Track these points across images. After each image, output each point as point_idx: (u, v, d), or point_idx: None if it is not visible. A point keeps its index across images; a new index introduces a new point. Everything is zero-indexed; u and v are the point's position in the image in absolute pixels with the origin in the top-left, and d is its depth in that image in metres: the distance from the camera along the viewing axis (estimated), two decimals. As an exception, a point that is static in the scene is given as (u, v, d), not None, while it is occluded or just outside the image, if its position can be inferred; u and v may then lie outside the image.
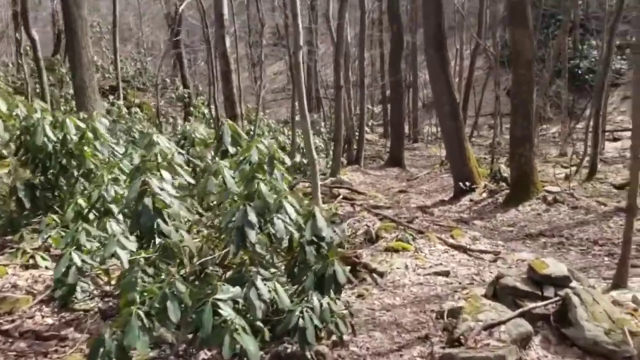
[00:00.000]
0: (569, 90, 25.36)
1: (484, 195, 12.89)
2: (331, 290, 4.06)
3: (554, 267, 5.21)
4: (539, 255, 8.63)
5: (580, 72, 29.15)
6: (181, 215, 4.08)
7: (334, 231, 4.31)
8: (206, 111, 18.04)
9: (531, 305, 4.89)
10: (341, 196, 11.59)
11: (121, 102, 18.59)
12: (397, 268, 7.07)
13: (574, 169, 17.64)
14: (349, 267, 6.78)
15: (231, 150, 5.58)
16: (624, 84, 28.90)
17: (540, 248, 9.21)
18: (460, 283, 6.66)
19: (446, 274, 6.96)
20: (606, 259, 8.33)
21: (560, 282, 5.11)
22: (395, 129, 20.24)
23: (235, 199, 4.27)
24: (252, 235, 3.71)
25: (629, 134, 24.54)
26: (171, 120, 19.27)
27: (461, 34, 22.65)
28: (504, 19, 21.14)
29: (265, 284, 3.68)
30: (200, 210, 5.53)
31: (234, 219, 3.80)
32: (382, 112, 29.17)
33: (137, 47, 26.88)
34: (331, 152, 17.02)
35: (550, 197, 11.60)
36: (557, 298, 4.94)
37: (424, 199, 14.18)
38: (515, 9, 11.12)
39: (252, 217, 3.75)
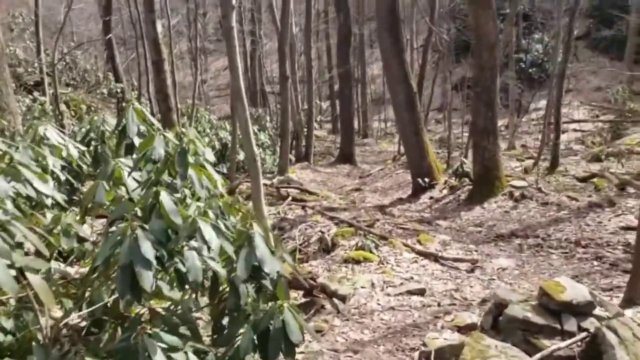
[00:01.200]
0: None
1: (445, 192, 11.67)
2: (280, 353, 2.57)
3: (573, 290, 3.89)
4: (518, 261, 7.41)
5: (524, 65, 28.61)
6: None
7: (283, 260, 2.82)
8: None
9: (552, 346, 3.55)
10: (290, 197, 10.12)
11: (47, 98, 16.56)
12: (362, 287, 5.66)
13: (530, 162, 16.75)
14: (302, 292, 5.34)
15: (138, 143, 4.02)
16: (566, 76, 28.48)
17: (517, 251, 7.98)
18: (439, 305, 5.31)
19: (421, 292, 5.60)
20: (595, 263, 7.15)
21: (583, 310, 3.80)
22: (346, 123, 18.91)
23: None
24: (147, 279, 2.20)
25: (574, 125, 23.85)
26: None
27: (411, 24, 21.48)
28: (455, 7, 20.13)
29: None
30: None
31: (118, 250, 2.29)
32: (330, 107, 27.80)
33: (67, 41, 24.61)
34: (278, 149, 15.52)
35: (517, 193, 10.45)
36: (584, 334, 3.61)
37: (380, 197, 12.86)
38: (477, -15, 9.89)
39: (147, 248, 2.24)
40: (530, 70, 29.21)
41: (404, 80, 11.54)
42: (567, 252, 7.74)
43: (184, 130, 3.27)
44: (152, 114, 14.65)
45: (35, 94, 17.91)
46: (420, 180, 11.73)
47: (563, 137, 24.00)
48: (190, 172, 2.85)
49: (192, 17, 21.85)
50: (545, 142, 15.53)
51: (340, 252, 7.34)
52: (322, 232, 7.88)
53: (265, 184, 10.88)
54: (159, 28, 12.05)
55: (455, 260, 6.91)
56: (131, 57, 19.16)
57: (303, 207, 9.31)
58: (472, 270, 6.70)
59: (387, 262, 6.69)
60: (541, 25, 29.61)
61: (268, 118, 16.78)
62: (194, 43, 22.63)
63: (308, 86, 17.46)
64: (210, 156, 3.05)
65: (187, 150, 2.92)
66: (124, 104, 18.12)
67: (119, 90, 18.16)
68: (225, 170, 13.88)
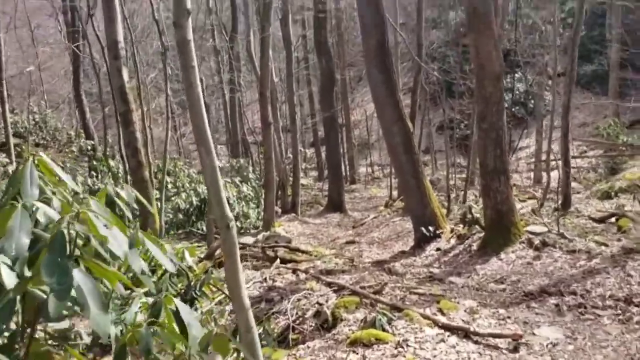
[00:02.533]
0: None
1: (453, 241, 10.17)
2: None
3: None
4: (566, 330, 5.87)
5: (507, 104, 27.69)
6: None
7: None
8: (113, 163, 14.67)
9: None
10: (278, 259, 8.53)
11: (13, 159, 15.07)
12: (384, 392, 4.07)
13: (531, 202, 15.43)
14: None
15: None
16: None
17: (557, 315, 6.44)
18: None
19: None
20: (664, 329, 5.64)
21: None
22: (333, 170, 17.51)
23: None
24: None
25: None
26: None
27: (396, 61, 20.32)
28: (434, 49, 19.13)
29: None
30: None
31: None
32: (314, 154, 26.48)
33: (38, 100, 23.20)
34: (263, 201, 13.98)
35: (536, 240, 8.98)
36: None
37: (379, 250, 11.32)
38: (477, 10, 8.64)
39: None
40: (513, 109, 28.36)
41: (399, 119, 10.19)
42: (619, 314, 6.22)
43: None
44: (125, 171, 13.13)
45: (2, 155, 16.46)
46: (424, 229, 10.24)
47: (554, 175, 22.96)
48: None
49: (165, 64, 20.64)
50: (549, 181, 14.25)
51: (344, 328, 5.77)
52: (320, 304, 6.30)
53: (245, 245, 9.31)
54: (125, 77, 10.65)
55: (492, 336, 5.35)
56: (107, 111, 17.75)
57: (294, 271, 7.74)
58: (516, 349, 5.14)
59: (407, 344, 5.13)
60: (523, 64, 28.89)
61: (251, 169, 15.33)
62: (166, 87, 21.34)
63: (292, 133, 16.08)
64: (122, 245, 1.53)
65: (69, 237, 1.39)
66: (93, 162, 16.68)
67: (89, 147, 16.67)
68: (204, 229, 12.30)
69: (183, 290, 4.27)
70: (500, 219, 9.23)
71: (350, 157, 24.19)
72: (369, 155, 27.57)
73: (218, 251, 8.63)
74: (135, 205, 2.76)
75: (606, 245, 8.51)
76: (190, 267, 4.48)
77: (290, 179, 16.72)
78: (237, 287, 3.52)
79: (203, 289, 4.41)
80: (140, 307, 2.89)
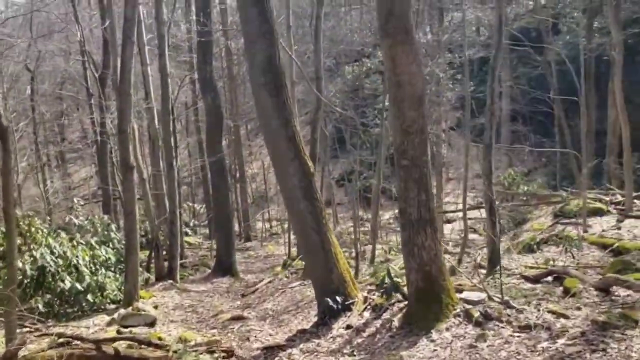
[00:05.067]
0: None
1: (367, 315, 7.54)
2: None
3: None
4: None
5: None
6: None
7: None
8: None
9: None
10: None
11: None
12: None
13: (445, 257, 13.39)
14: None
15: None
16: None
17: None
18: None
19: None
20: None
21: None
22: (222, 226, 14.56)
23: None
24: None
25: (460, 214, 20.65)
26: None
27: (292, 88, 17.75)
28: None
29: None
30: None
31: None
32: (205, 209, 23.30)
33: None
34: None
35: (475, 312, 6.58)
36: None
37: (272, 328, 8.45)
38: (392, 12, 6.37)
39: None
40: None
41: (296, 157, 7.61)
42: None
43: None
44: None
45: None
46: (329, 300, 7.56)
47: (452, 226, 21.37)
48: None
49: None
50: (466, 235, 12.25)
51: None
52: None
53: (75, 338, 6.12)
54: None
55: None
56: None
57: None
58: None
59: None
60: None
61: (115, 226, 12.05)
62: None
63: (169, 181, 13.02)
64: None
65: None
66: None
67: None
68: (41, 307, 8.85)
69: None
70: (428, 285, 6.77)
71: (244, 210, 21.29)
72: (266, 209, 24.76)
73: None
74: None
75: (566, 317, 6.25)
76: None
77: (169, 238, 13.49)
78: None
79: None
80: None
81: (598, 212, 13.19)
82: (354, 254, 12.27)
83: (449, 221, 22.01)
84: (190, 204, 21.22)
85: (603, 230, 11.85)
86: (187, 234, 19.48)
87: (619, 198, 14.22)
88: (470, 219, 19.47)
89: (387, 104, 18.04)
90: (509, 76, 24.47)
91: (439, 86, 21.20)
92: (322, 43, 13.29)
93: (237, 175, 21.81)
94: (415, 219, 6.76)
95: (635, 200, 13.39)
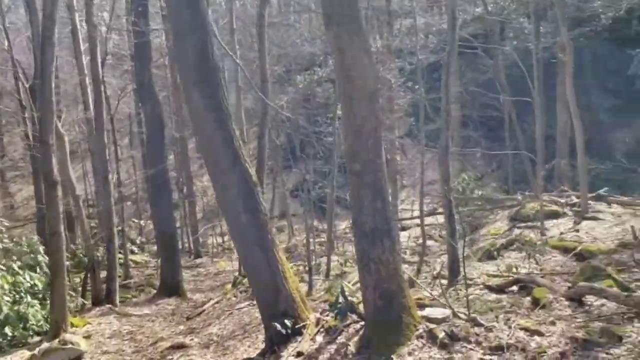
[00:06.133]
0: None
1: (320, 339, 6.62)
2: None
3: None
4: None
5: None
6: None
7: None
8: None
9: None
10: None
11: None
12: None
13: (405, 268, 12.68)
14: None
15: None
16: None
17: None
18: None
19: None
20: None
21: None
22: (166, 243, 13.39)
23: None
24: None
25: (417, 221, 19.94)
26: None
27: (239, 94, 16.62)
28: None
29: None
30: None
31: None
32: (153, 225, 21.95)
33: None
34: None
35: (440, 332, 5.77)
36: None
37: (215, 358, 7.41)
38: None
39: None
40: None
41: (235, 164, 6.65)
42: None
43: None
44: None
45: None
46: (277, 324, 6.60)
47: (407, 234, 20.72)
48: None
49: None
50: (425, 245, 11.55)
51: None
52: None
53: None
54: None
55: None
56: None
57: None
58: None
59: None
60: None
61: (42, 248, 10.65)
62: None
63: (105, 197, 11.77)
64: None
65: None
66: None
67: None
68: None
69: None
70: (387, 303, 5.93)
71: (193, 224, 20.04)
72: (218, 223, 23.54)
73: None
74: None
75: (541, 334, 5.50)
76: None
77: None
78: None
79: None
80: None
81: (554, 215, 12.75)
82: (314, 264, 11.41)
83: (404, 229, 21.37)
84: (137, 221, 19.83)
85: (561, 233, 11.37)
86: (133, 252, 18.12)
87: (574, 200, 13.84)
88: (426, 225, 18.88)
89: (339, 112, 17.17)
90: (459, 82, 24.20)
91: (391, 92, 20.64)
92: (271, 48, 12.45)
93: (185, 189, 20.57)
94: (371, 229, 5.91)
95: (590, 202, 13.02)
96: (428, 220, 18.58)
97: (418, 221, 19.95)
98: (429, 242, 17.06)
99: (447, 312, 6.26)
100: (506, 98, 19.16)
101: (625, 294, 6.07)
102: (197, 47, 6.55)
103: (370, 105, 5.81)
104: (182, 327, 9.89)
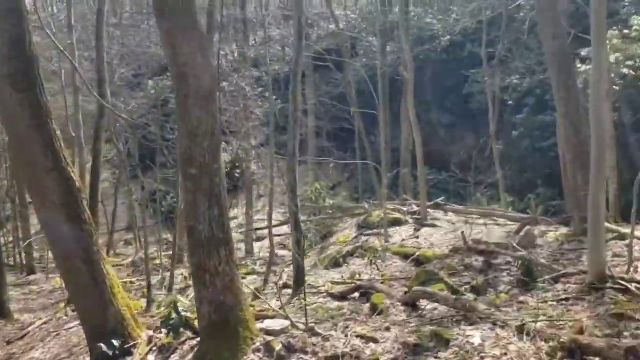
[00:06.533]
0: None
1: (152, 358, 6.07)
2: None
3: None
4: None
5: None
6: None
7: None
8: None
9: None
10: None
11: None
12: None
13: (250, 278, 12.46)
14: None
15: None
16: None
17: None
18: None
19: None
20: None
21: None
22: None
23: None
24: None
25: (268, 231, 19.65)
26: None
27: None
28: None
29: None
30: None
31: None
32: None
33: None
34: None
35: (278, 344, 5.56)
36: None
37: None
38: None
39: None
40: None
41: (56, 168, 5.87)
42: None
43: None
44: None
45: None
46: (103, 345, 5.93)
47: (261, 244, 20.54)
48: None
49: None
50: (273, 253, 11.35)
51: None
52: None
53: None
54: None
55: None
56: None
57: None
58: None
59: None
60: (229, 133, 26.68)
61: None
62: None
63: None
64: None
65: None
66: None
67: None
68: None
69: None
70: (223, 317, 5.59)
71: (26, 238, 17.95)
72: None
73: None
74: None
75: (376, 341, 5.51)
76: None
77: None
78: None
79: None
80: None
81: (397, 222, 13.30)
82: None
83: (259, 239, 21.13)
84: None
85: (403, 240, 11.87)
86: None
87: (415, 208, 14.61)
88: (280, 235, 18.79)
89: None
90: (314, 94, 24.70)
91: (246, 100, 20.42)
92: (119, 49, 11.53)
93: (17, 199, 18.43)
94: (207, 239, 5.54)
95: (429, 210, 13.82)
96: (283, 229, 18.52)
97: (273, 230, 19.85)
98: (284, 252, 16.97)
99: (287, 323, 6.07)
100: (356, 111, 19.86)
101: (455, 297, 6.37)
102: (9, 34, 5.70)
103: (207, 106, 5.46)
104: (0, 354, 8.63)
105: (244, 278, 12.34)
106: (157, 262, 14.71)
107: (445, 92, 21.29)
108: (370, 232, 13.22)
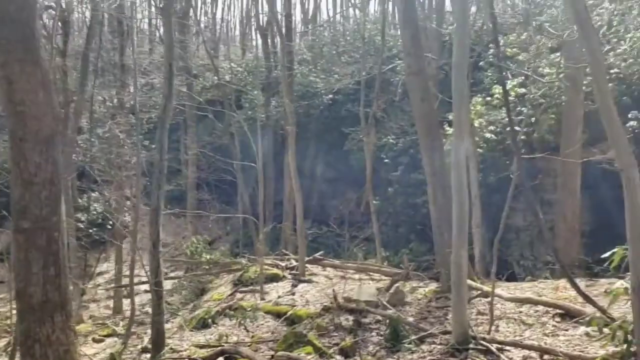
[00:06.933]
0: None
1: None
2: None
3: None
4: None
5: (83, 225, 22.69)
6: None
7: None
8: None
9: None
10: None
11: None
12: None
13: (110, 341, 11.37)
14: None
15: None
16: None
17: None
18: None
19: None
20: None
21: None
22: None
23: None
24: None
25: (145, 287, 18.22)
26: None
27: None
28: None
29: None
30: None
31: None
32: None
33: None
34: None
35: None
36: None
37: None
38: (8, 14, 4.55)
39: None
40: (91, 231, 23.67)
41: None
42: None
43: None
44: None
45: None
46: None
47: (137, 300, 19.12)
48: None
49: None
50: (132, 310, 10.39)
51: None
52: None
53: None
54: None
55: None
56: None
57: None
58: None
59: None
60: (101, 182, 24.91)
61: None
62: None
63: None
64: None
65: None
66: None
67: None
68: None
69: None
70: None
71: None
72: None
73: None
74: None
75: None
76: None
77: None
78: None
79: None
80: None
81: (275, 278, 12.90)
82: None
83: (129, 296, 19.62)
84: None
85: (279, 297, 11.43)
86: None
87: (294, 263, 14.32)
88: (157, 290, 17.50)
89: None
90: (195, 145, 24.04)
91: (121, 148, 19.34)
92: None
93: None
94: (39, 304, 4.78)
95: (307, 265, 13.58)
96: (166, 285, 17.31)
97: (147, 287, 18.47)
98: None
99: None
100: (237, 163, 19.53)
101: (320, 361, 6.05)
102: None
103: (47, 151, 4.83)
104: None
105: (101, 341, 11.19)
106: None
107: (328, 148, 21.69)
108: (245, 289, 12.66)
